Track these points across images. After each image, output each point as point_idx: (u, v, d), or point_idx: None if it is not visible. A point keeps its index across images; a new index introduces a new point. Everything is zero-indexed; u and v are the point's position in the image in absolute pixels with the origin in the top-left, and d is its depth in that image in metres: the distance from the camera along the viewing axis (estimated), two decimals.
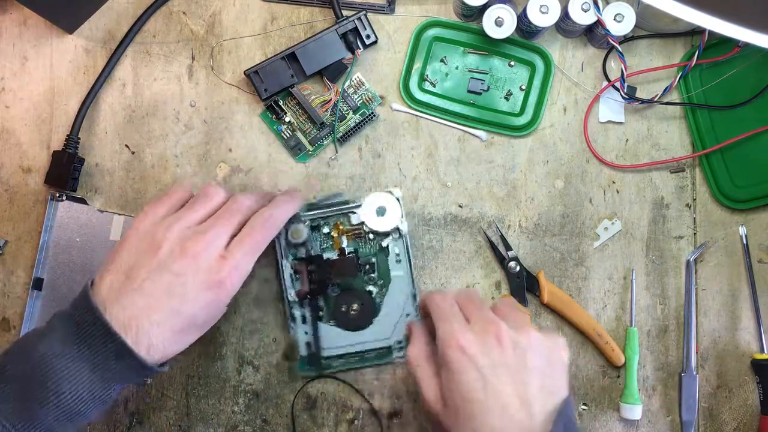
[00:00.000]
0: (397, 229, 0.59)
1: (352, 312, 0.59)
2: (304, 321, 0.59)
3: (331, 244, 0.59)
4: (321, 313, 0.59)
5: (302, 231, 0.58)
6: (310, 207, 0.59)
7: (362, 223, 0.59)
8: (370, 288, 0.59)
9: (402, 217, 0.58)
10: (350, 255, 0.59)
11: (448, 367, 0.48)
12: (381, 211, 0.58)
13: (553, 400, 0.47)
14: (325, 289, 0.59)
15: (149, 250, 0.48)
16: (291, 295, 0.59)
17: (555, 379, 0.49)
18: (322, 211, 0.58)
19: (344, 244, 0.59)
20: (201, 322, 0.49)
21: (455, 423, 0.48)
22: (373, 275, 0.59)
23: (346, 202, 0.59)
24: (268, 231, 0.51)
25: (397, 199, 0.58)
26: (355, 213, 0.58)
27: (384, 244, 0.59)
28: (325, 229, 0.59)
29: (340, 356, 0.59)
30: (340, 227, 0.59)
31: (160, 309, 0.46)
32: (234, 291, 0.49)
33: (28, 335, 0.47)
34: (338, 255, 0.59)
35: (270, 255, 0.59)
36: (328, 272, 0.58)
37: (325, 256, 0.59)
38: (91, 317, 0.45)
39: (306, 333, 0.59)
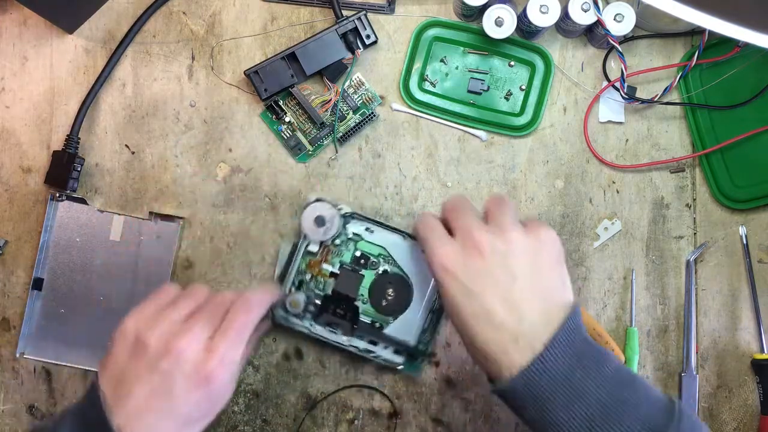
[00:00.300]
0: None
1: (389, 297, 0.59)
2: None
3: (323, 280, 0.59)
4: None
5: (299, 299, 0.58)
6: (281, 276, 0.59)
7: (321, 244, 0.59)
8: (385, 268, 0.59)
9: (338, 223, 0.58)
10: (341, 269, 0.59)
11: (437, 284, 0.48)
12: (320, 221, 0.58)
13: (546, 304, 0.46)
14: (357, 310, 0.59)
15: (136, 352, 0.47)
16: (348, 341, 0.58)
17: (545, 279, 0.47)
18: (290, 271, 0.59)
19: (331, 268, 0.59)
20: (199, 417, 0.48)
21: (456, 328, 0.48)
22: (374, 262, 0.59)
23: (295, 246, 0.59)
24: (248, 315, 0.50)
25: (340, 211, 0.58)
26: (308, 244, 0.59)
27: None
28: (307, 277, 0.59)
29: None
30: (312, 263, 0.59)
31: (152, 411, 0.46)
32: (225, 383, 0.48)
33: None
34: (335, 279, 0.59)
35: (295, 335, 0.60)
36: (342, 298, 0.58)
37: (329, 290, 0.59)
38: (99, 418, 0.46)
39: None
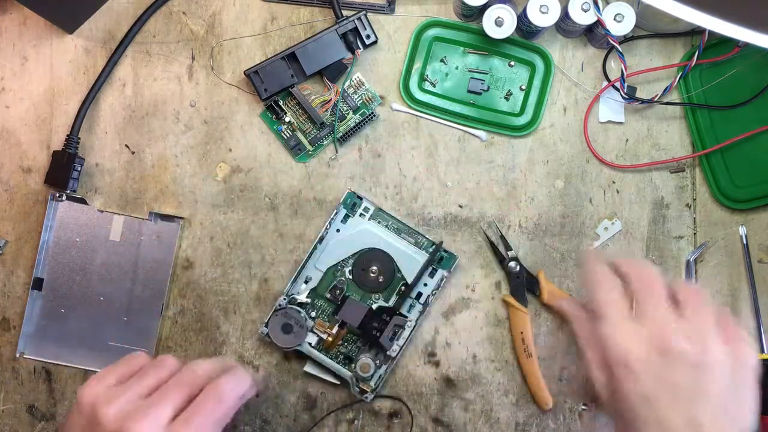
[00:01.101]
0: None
1: (372, 274, 0.60)
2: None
3: (328, 336, 0.60)
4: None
5: (369, 364, 0.59)
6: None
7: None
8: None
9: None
10: (344, 298, 0.59)
11: (611, 370, 0.43)
12: (286, 329, 0.58)
13: (733, 427, 0.42)
14: (370, 327, 0.59)
15: (90, 427, 0.43)
16: (391, 349, 0.59)
17: (738, 403, 0.42)
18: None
19: (338, 324, 0.59)
20: None
21: (616, 418, 0.44)
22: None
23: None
24: (221, 406, 0.45)
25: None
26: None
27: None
28: (318, 335, 0.59)
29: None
30: (319, 322, 0.59)
31: None
32: None
33: None
34: (338, 308, 0.59)
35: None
36: (356, 324, 0.59)
37: (343, 318, 0.59)
38: None
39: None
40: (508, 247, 0.61)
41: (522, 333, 0.59)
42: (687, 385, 0.42)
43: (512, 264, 0.61)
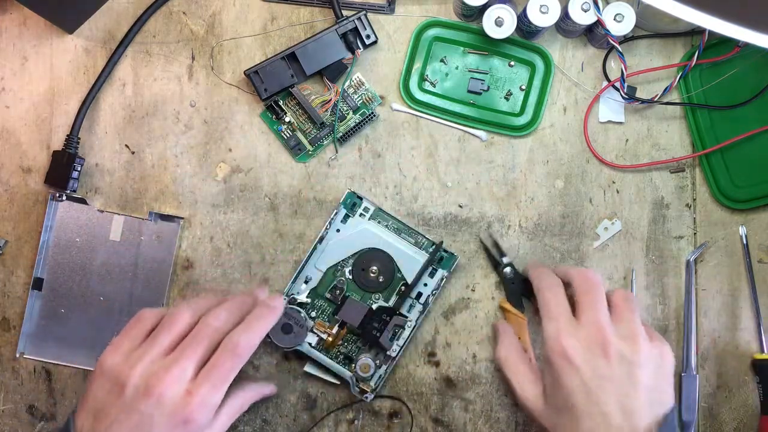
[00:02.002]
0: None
1: (372, 274, 0.60)
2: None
3: (328, 335, 0.60)
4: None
5: (369, 364, 0.59)
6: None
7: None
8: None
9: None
10: (344, 298, 0.59)
11: (550, 368, 0.49)
12: (286, 329, 0.59)
13: (657, 411, 0.48)
14: (370, 327, 0.59)
15: (114, 391, 0.46)
16: (391, 349, 0.59)
17: (662, 391, 0.50)
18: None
19: (337, 325, 0.60)
20: None
21: (556, 422, 0.49)
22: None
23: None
24: (236, 360, 0.48)
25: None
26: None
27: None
28: (318, 335, 0.59)
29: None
30: (319, 322, 0.59)
31: None
32: (205, 425, 0.47)
33: None
34: (338, 308, 0.59)
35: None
36: (356, 324, 0.59)
37: (343, 318, 0.59)
38: None
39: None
40: (502, 254, 0.61)
41: (520, 338, 0.59)
42: (621, 378, 0.48)
43: (507, 270, 0.60)
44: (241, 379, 0.51)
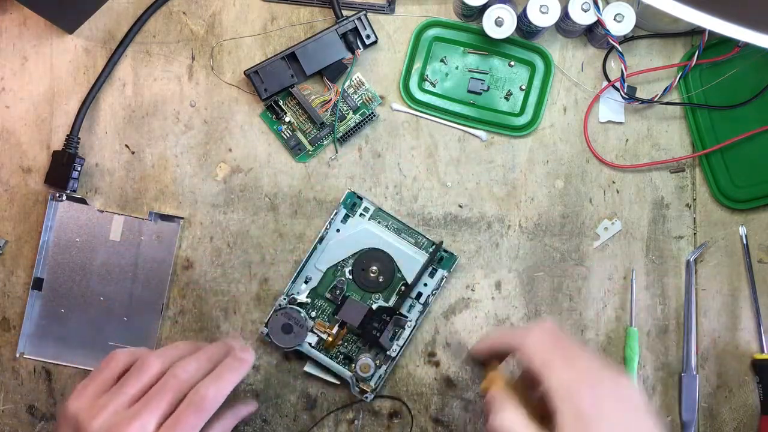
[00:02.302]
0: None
1: (372, 274, 0.60)
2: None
3: (328, 332, 0.60)
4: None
5: (369, 364, 0.59)
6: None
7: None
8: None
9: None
10: (344, 298, 0.59)
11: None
12: (286, 329, 0.59)
13: None
14: (370, 327, 0.59)
15: None
16: (391, 349, 0.59)
17: None
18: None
19: (338, 324, 0.60)
20: None
21: None
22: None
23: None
24: (201, 414, 0.45)
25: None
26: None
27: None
28: (318, 335, 0.59)
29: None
30: (319, 322, 0.60)
31: None
32: None
33: None
34: (338, 308, 0.59)
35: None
36: (356, 324, 0.59)
37: (343, 318, 0.59)
38: None
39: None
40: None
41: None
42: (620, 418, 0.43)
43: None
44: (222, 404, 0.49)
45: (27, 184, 0.61)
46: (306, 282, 0.60)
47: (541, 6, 0.57)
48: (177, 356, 0.48)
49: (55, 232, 0.60)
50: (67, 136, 0.59)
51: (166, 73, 0.61)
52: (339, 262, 0.60)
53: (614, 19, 0.57)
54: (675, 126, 0.62)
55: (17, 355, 0.60)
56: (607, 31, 0.57)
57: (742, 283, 0.62)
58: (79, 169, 0.60)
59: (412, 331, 0.59)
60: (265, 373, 0.61)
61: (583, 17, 0.57)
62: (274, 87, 0.59)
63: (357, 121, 0.61)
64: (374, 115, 0.61)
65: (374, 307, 0.59)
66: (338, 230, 0.60)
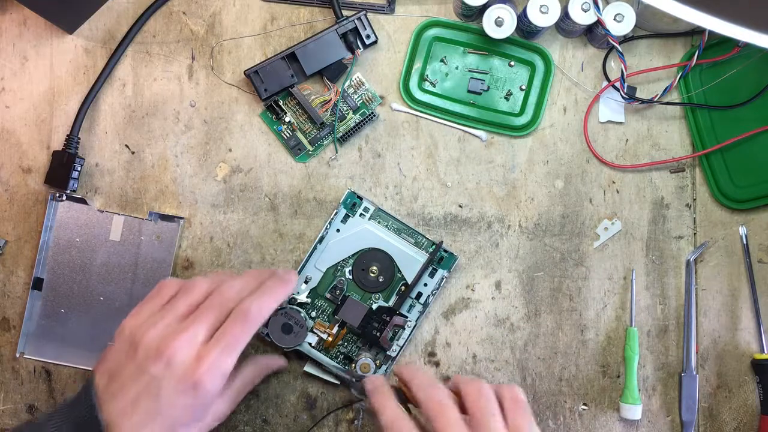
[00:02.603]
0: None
1: (372, 274, 0.60)
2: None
3: (328, 333, 0.60)
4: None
5: (369, 364, 0.59)
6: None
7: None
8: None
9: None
10: (344, 298, 0.59)
11: None
12: (286, 329, 0.59)
13: None
14: (370, 327, 0.59)
15: (129, 352, 0.48)
16: (391, 349, 0.59)
17: None
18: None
19: (338, 323, 0.60)
20: (187, 422, 0.47)
21: None
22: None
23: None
24: (247, 326, 0.48)
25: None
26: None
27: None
28: (318, 335, 0.59)
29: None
30: (318, 322, 0.60)
31: (140, 412, 0.46)
32: (212, 391, 0.47)
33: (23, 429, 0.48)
34: (338, 308, 0.59)
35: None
36: (356, 324, 0.59)
37: (343, 318, 0.59)
38: (89, 414, 0.46)
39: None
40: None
41: None
42: None
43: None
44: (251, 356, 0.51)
45: (27, 184, 0.61)
46: (306, 282, 0.60)
47: (541, 6, 0.57)
48: (223, 280, 0.51)
49: (55, 232, 0.60)
50: (67, 136, 0.59)
51: (166, 73, 0.61)
52: (339, 262, 0.60)
53: (614, 19, 0.57)
54: (675, 126, 0.62)
55: (17, 355, 0.60)
56: (607, 31, 0.57)
57: (742, 283, 0.62)
58: (79, 169, 0.60)
59: (411, 331, 0.59)
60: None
61: (583, 17, 0.57)
62: (274, 87, 0.59)
63: (357, 121, 0.61)
64: (374, 115, 0.61)
65: (374, 307, 0.59)
66: (338, 230, 0.60)
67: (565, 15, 0.57)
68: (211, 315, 0.48)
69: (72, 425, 0.46)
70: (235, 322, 0.48)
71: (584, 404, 0.61)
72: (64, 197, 0.60)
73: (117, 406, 0.46)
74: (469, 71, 0.62)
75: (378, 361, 0.59)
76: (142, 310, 0.50)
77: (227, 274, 0.53)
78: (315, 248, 0.60)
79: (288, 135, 0.61)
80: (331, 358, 0.60)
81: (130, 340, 0.48)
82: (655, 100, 0.60)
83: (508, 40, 0.60)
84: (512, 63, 0.62)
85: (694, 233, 0.62)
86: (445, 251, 0.60)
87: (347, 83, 0.61)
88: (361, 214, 0.60)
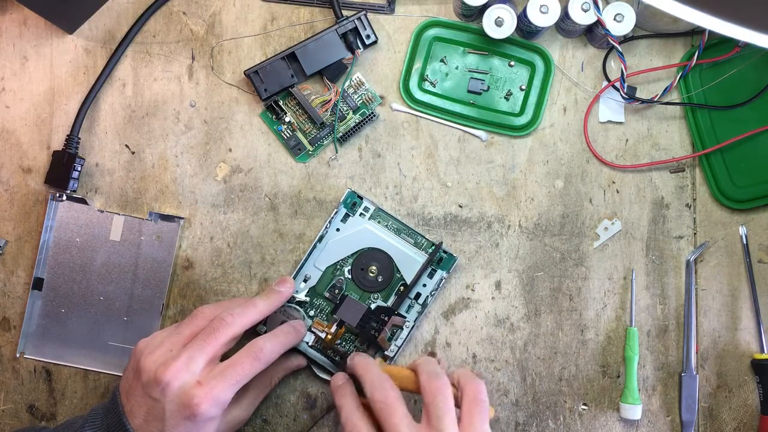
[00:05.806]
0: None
1: (371, 274, 0.60)
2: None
3: (327, 330, 0.60)
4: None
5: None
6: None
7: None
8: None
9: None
10: (343, 297, 0.59)
11: None
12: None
13: None
14: (369, 326, 0.59)
15: (136, 374, 0.50)
16: (389, 349, 0.59)
17: None
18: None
19: (336, 323, 0.60)
20: None
21: None
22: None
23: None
24: (256, 364, 0.50)
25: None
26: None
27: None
28: (317, 333, 0.59)
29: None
30: (317, 321, 0.60)
31: (152, 430, 0.48)
32: (210, 419, 0.48)
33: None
34: (337, 307, 0.59)
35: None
36: (354, 323, 0.59)
37: (342, 317, 0.59)
38: (117, 422, 0.49)
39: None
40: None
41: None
42: None
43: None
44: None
45: (27, 184, 0.61)
46: (305, 281, 0.60)
47: (541, 6, 0.57)
48: (228, 306, 0.53)
49: (55, 232, 0.60)
50: (67, 136, 0.59)
51: (166, 73, 0.61)
52: (338, 262, 0.60)
53: (614, 19, 0.57)
54: (675, 126, 0.62)
55: (17, 355, 0.60)
56: (607, 31, 0.57)
57: (742, 283, 0.62)
58: (79, 169, 0.60)
59: (410, 331, 0.59)
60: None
61: (583, 17, 0.57)
62: (274, 87, 0.60)
63: (357, 121, 0.61)
64: (374, 115, 0.61)
65: (373, 306, 0.59)
66: (338, 229, 0.60)
67: (565, 15, 0.57)
68: (209, 341, 0.49)
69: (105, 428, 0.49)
70: (247, 357, 0.50)
71: (584, 404, 0.61)
72: (65, 197, 0.60)
73: (135, 422, 0.48)
74: (469, 71, 0.62)
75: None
76: (158, 332, 0.52)
77: (234, 301, 0.54)
78: (314, 247, 0.60)
79: (288, 135, 0.61)
80: (330, 358, 0.60)
81: (136, 362, 0.50)
82: (655, 100, 0.60)
83: (508, 40, 0.60)
84: (512, 63, 0.62)
85: (694, 233, 0.62)
86: (445, 252, 0.60)
87: (347, 83, 0.61)
88: (361, 214, 0.60)
